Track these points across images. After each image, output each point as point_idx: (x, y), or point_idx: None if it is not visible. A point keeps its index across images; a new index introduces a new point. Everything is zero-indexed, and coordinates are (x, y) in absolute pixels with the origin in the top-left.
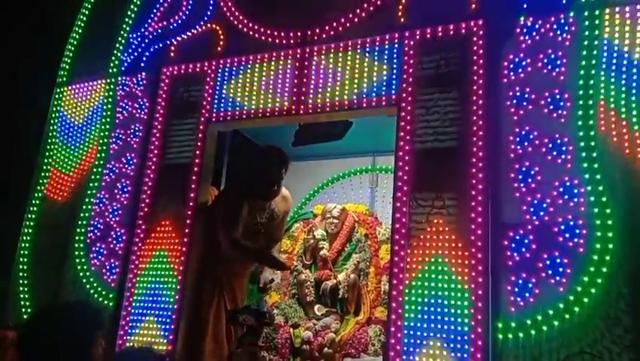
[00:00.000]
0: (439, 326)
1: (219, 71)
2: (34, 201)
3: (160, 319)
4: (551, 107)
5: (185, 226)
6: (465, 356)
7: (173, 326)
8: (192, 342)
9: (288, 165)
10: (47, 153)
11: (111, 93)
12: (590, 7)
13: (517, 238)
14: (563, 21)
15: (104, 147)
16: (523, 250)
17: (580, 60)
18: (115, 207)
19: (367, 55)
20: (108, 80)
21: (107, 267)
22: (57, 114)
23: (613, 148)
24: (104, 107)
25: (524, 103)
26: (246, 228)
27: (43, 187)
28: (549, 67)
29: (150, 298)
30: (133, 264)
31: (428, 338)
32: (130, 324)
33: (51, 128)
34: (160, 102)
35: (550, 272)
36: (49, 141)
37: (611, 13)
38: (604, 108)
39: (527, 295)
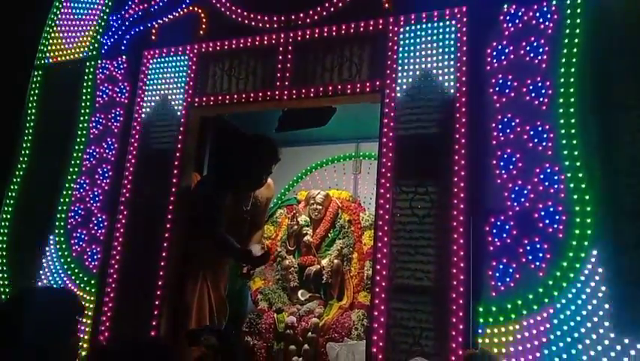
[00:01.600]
0: None
1: (201, 55)
2: (12, 187)
3: (143, 305)
4: (533, 94)
5: (167, 212)
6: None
7: (156, 313)
8: (176, 329)
9: (278, 160)
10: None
11: (91, 76)
12: None
13: (499, 223)
14: (545, 9)
15: (84, 132)
16: (504, 235)
17: (562, 48)
18: (96, 193)
19: (352, 40)
20: (87, 63)
21: (89, 253)
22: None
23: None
24: (84, 90)
25: (507, 90)
26: (231, 217)
27: (22, 172)
28: (531, 54)
29: (133, 285)
30: (115, 250)
31: None
32: (113, 310)
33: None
34: (141, 86)
35: (530, 257)
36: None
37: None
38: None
39: (508, 280)
